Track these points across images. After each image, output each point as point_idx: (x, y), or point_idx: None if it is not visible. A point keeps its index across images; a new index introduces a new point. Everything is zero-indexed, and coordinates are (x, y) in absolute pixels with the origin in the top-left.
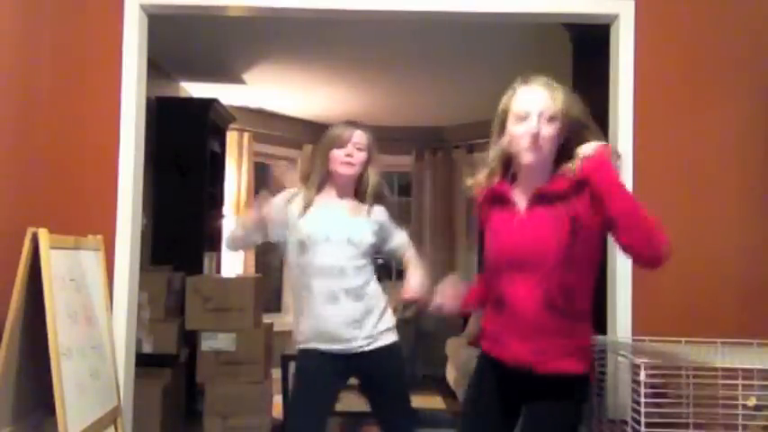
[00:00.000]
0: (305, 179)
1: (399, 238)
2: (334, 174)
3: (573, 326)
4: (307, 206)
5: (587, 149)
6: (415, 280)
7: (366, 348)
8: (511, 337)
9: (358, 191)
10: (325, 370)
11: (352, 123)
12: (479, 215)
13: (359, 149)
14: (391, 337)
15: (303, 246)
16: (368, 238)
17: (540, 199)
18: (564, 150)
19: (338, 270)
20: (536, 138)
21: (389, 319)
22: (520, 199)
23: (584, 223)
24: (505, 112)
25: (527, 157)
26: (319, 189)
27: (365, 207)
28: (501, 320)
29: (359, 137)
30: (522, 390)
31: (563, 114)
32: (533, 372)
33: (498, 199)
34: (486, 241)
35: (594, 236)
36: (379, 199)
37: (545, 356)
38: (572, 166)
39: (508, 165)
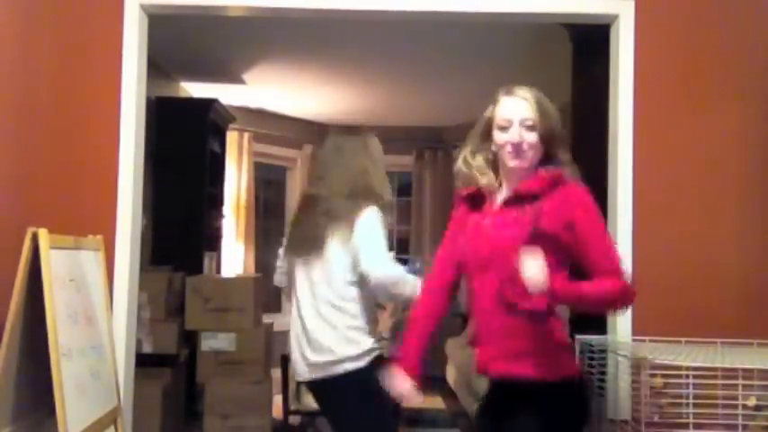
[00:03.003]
0: None
1: None
2: None
3: (532, 327)
4: None
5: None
6: None
7: None
8: (479, 341)
9: None
10: None
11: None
12: (455, 215)
13: None
14: None
15: None
16: None
17: (513, 200)
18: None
19: None
20: (518, 146)
21: None
22: (498, 201)
23: (546, 226)
24: (490, 121)
25: (511, 162)
26: None
27: None
28: (475, 325)
29: None
30: (500, 402)
31: (540, 124)
32: (489, 375)
33: (474, 200)
34: (459, 243)
35: (559, 240)
36: None
37: (499, 358)
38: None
39: (496, 168)
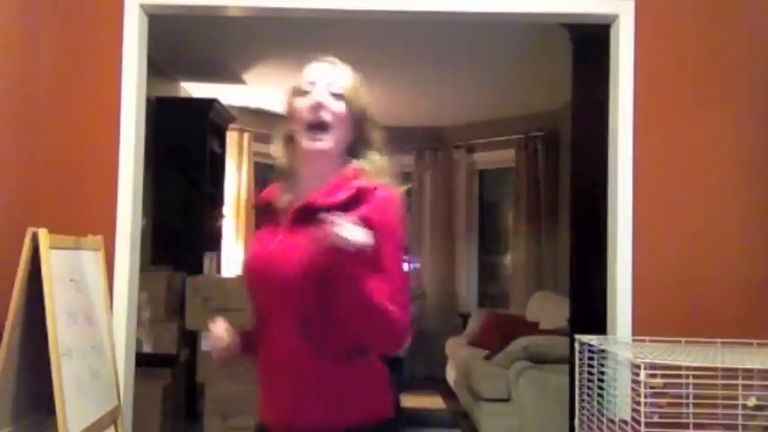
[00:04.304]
0: None
1: None
2: None
3: (341, 368)
4: None
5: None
6: None
7: None
8: (271, 390)
9: None
10: None
11: None
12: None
13: None
14: None
15: None
16: None
17: (308, 213)
18: (351, 151)
19: None
20: (319, 107)
21: None
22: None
23: None
24: (292, 96)
25: (309, 144)
26: None
27: None
28: (261, 369)
29: None
30: None
31: (351, 97)
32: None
33: (266, 207)
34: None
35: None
36: None
37: (307, 409)
38: (352, 174)
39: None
